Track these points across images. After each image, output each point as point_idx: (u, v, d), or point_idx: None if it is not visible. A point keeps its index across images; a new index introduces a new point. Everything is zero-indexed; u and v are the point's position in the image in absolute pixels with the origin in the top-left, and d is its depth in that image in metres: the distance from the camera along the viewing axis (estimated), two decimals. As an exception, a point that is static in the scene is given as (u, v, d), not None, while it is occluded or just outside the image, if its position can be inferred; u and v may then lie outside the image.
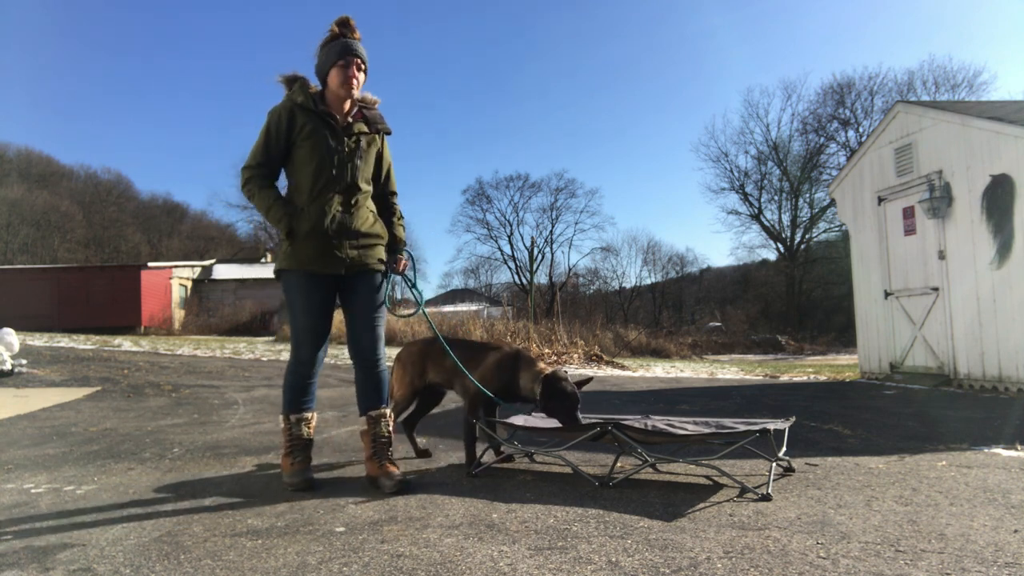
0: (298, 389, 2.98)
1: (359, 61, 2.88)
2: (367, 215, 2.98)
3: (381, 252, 3.04)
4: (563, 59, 77.13)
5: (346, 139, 2.90)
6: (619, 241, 70.35)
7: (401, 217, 3.20)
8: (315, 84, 2.98)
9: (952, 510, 2.47)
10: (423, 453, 3.54)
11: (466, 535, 2.22)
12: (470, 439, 3.22)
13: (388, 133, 3.10)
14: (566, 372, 3.09)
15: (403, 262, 3.14)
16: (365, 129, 2.98)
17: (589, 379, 3.21)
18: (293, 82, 2.94)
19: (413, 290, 3.24)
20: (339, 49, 2.86)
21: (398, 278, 3.20)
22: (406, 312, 3.41)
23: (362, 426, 2.99)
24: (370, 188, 3.03)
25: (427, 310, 3.77)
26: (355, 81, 2.88)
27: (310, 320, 2.91)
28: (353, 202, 2.92)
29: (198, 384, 7.56)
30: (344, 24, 2.91)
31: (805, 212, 40.01)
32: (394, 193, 3.19)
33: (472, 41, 78.28)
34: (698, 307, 44.70)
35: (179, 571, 1.94)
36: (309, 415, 3.00)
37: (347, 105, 2.95)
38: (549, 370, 3.09)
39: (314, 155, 2.84)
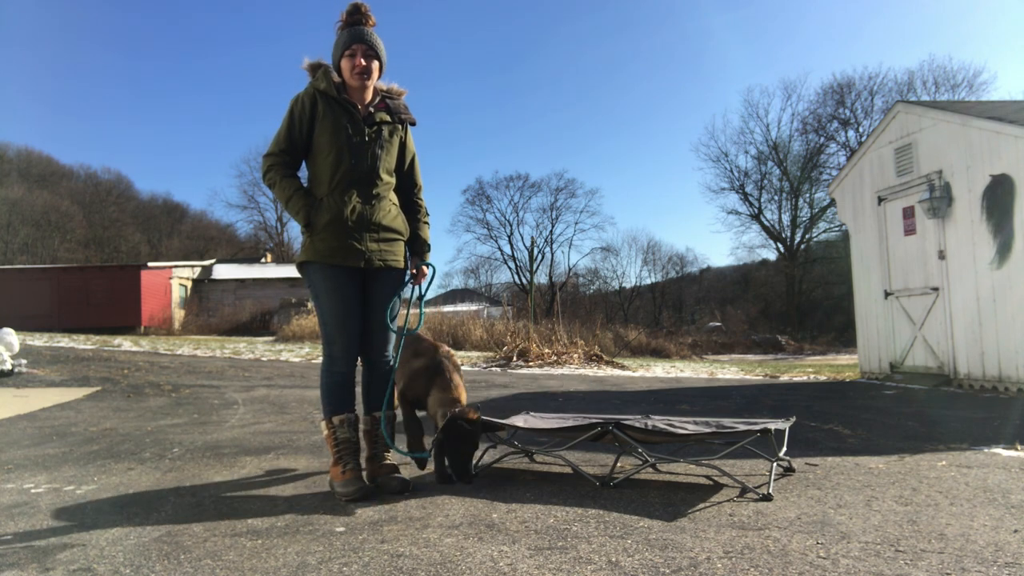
0: (336, 389, 2.85)
1: (366, 48, 2.80)
2: (389, 207, 2.90)
3: (402, 249, 2.96)
4: (563, 59, 77.14)
5: (367, 128, 2.83)
6: (619, 241, 70.51)
7: (427, 215, 3.10)
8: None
9: (952, 510, 2.47)
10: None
11: (466, 535, 2.22)
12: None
13: (412, 123, 3.03)
14: (475, 412, 2.87)
15: (424, 275, 3.04)
16: (387, 118, 2.91)
17: (501, 427, 3.12)
18: (317, 69, 2.87)
19: (419, 302, 3.09)
20: (346, 38, 2.80)
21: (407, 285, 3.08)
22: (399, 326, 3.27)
23: (365, 426, 2.95)
24: (392, 180, 2.96)
25: (426, 310, 3.70)
26: (363, 68, 2.79)
27: (337, 313, 2.81)
28: (374, 193, 2.85)
29: (198, 384, 7.56)
30: (354, 11, 2.82)
31: (805, 212, 40.05)
32: (418, 187, 3.08)
33: (471, 42, 78.30)
34: (698, 307, 44.67)
35: (179, 571, 1.94)
36: (353, 416, 2.86)
37: (368, 94, 2.89)
38: (461, 404, 2.91)
39: (333, 144, 2.78)
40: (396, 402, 3.14)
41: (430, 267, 3.08)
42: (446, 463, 2.93)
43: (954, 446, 3.77)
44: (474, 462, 3.23)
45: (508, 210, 46.42)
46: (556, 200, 45.58)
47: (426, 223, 3.09)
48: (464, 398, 2.97)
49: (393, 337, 2.99)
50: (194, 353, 12.20)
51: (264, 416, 5.19)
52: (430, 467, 3.06)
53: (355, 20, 2.83)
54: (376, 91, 2.93)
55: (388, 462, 2.90)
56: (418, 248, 3.05)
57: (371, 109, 2.89)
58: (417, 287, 3.07)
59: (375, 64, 2.84)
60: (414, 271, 3.04)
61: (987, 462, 3.31)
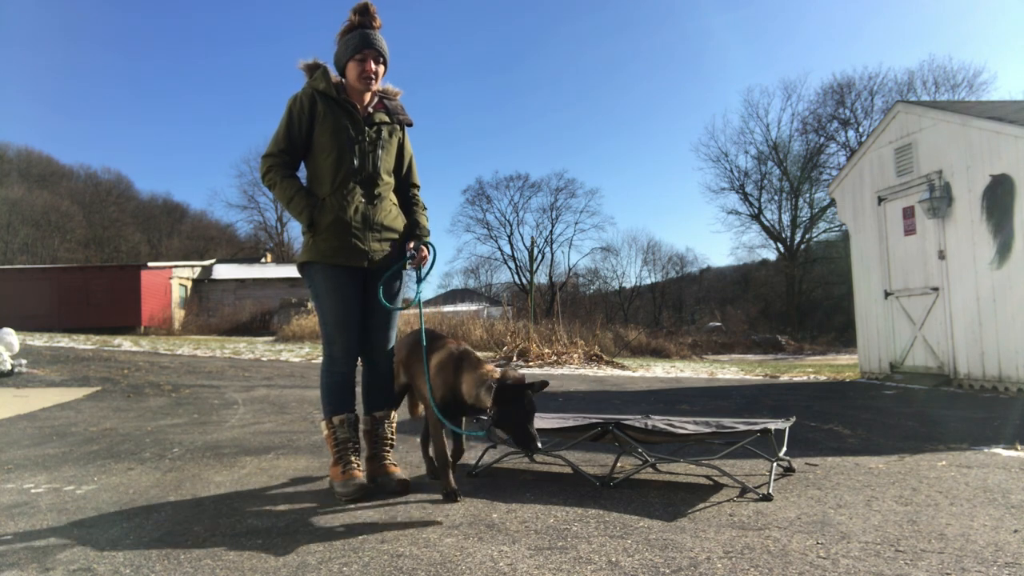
0: (336, 389, 2.85)
1: (376, 54, 2.80)
2: (390, 207, 2.92)
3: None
4: (563, 59, 77.11)
5: (367, 128, 2.85)
6: (619, 241, 70.48)
7: (424, 208, 3.09)
8: (336, 73, 2.91)
9: (952, 510, 2.47)
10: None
11: (466, 535, 2.22)
12: (438, 454, 2.73)
13: (409, 124, 3.04)
14: (521, 374, 2.61)
15: (424, 255, 2.97)
16: (386, 119, 2.93)
17: (545, 383, 2.63)
18: (315, 69, 2.87)
19: (418, 285, 3.01)
20: (356, 42, 2.79)
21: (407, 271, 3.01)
22: (400, 306, 3.13)
23: (365, 426, 2.95)
24: (392, 180, 2.97)
25: (426, 310, 3.65)
26: (373, 75, 2.81)
27: (338, 313, 2.81)
28: (376, 193, 2.86)
29: (198, 384, 7.55)
30: (363, 11, 2.81)
31: (805, 212, 40.03)
32: (416, 186, 3.10)
33: (471, 42, 78.26)
34: (698, 307, 44.66)
35: (179, 571, 1.94)
36: (353, 416, 2.86)
37: (368, 96, 2.91)
38: (499, 373, 2.60)
39: (334, 144, 2.78)
40: (420, 408, 3.04)
41: (430, 247, 3.01)
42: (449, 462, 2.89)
43: (954, 446, 3.77)
44: (474, 462, 3.24)
45: (508, 210, 46.43)
46: (556, 200, 45.61)
47: (424, 214, 3.08)
48: (497, 373, 2.64)
49: (393, 336, 2.99)
50: (194, 353, 12.20)
51: (264, 416, 5.19)
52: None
53: (364, 22, 2.82)
54: (373, 92, 2.94)
55: (388, 462, 2.90)
56: (417, 232, 3.00)
57: (370, 110, 2.91)
58: (416, 270, 2.99)
59: (382, 69, 2.87)
60: (415, 253, 2.93)
61: (987, 462, 3.31)
